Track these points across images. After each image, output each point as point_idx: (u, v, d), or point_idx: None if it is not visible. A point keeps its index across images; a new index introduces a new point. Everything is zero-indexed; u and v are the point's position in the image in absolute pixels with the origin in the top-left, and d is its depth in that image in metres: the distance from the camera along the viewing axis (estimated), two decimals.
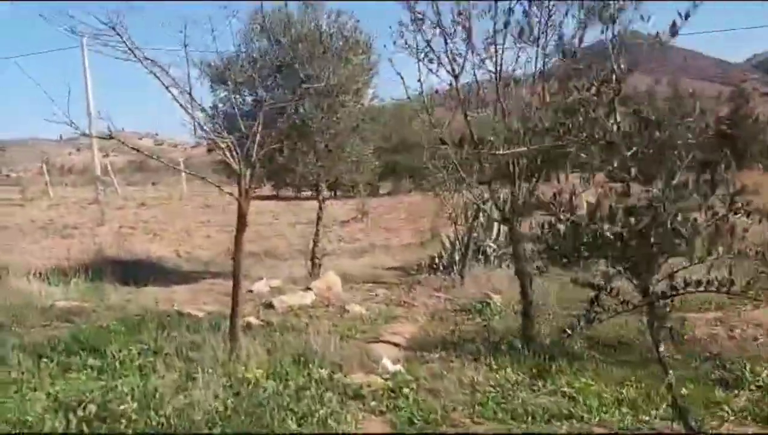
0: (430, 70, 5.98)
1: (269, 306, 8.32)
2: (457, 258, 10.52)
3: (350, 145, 10.06)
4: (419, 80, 6.02)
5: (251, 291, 9.84)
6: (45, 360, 6.10)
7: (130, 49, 5.04)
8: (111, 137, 5.33)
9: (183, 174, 41.79)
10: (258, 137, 5.92)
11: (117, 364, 5.99)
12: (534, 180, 6.12)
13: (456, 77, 6.00)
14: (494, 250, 10.82)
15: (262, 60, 9.25)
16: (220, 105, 10.76)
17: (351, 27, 9.55)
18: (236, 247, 6.01)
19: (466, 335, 6.63)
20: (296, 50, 9.47)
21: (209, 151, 11.27)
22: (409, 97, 6.14)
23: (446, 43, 5.96)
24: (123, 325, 7.48)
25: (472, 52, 5.63)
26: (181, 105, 5.63)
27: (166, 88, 5.40)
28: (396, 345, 6.57)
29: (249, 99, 9.44)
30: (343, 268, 11.22)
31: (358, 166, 10.45)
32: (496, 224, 11.06)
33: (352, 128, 9.91)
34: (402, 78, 6.04)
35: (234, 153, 5.81)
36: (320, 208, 11.07)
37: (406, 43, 6.00)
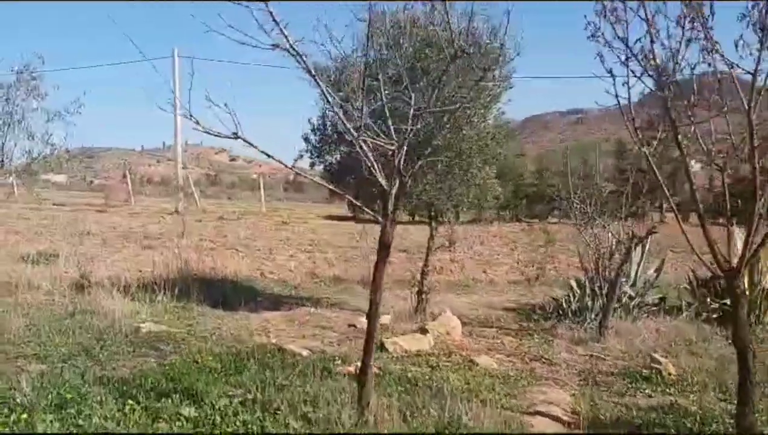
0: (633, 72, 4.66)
1: (381, 347, 7.07)
2: (589, 304, 9.03)
3: (475, 167, 8.78)
4: (626, 84, 4.69)
5: (354, 326, 8.65)
6: (131, 402, 5.03)
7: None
8: (236, 136, 4.23)
9: (261, 190, 41.74)
10: (404, 151, 4.72)
11: (217, 417, 4.86)
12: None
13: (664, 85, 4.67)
14: (631, 298, 9.28)
15: (382, 65, 8.09)
16: (330, 114, 9.76)
17: (484, 29, 8.26)
18: (375, 283, 4.78)
19: (647, 416, 5.19)
20: (423, 56, 8.35)
21: (312, 165, 10.22)
22: (619, 105, 4.80)
23: (652, 41, 4.65)
24: (218, 361, 6.39)
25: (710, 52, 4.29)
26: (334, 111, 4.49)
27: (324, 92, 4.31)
28: (557, 420, 5.19)
29: (366, 109, 8.25)
30: (452, 306, 9.90)
31: (482, 190, 9.15)
32: (634, 266, 9.53)
33: (479, 148, 8.64)
34: (613, 78, 4.70)
35: (377, 166, 4.64)
36: (432, 236, 9.81)
37: (603, 39, 4.70)
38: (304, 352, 6.99)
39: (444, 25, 8.68)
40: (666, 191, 5.10)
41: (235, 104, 4.18)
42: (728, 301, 9.12)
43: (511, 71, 8.80)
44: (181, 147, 33.64)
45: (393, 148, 4.51)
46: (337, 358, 6.79)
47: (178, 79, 24.32)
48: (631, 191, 9.64)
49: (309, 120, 9.97)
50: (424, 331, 7.66)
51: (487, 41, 8.21)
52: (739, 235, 6.43)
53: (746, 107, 4.25)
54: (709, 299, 9.29)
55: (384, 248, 4.68)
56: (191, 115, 4.18)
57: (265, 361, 6.44)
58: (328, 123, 9.89)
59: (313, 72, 4.38)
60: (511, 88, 8.99)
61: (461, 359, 6.95)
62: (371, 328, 4.84)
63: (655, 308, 9.42)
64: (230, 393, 5.41)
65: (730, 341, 7.95)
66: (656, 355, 6.69)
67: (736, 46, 4.50)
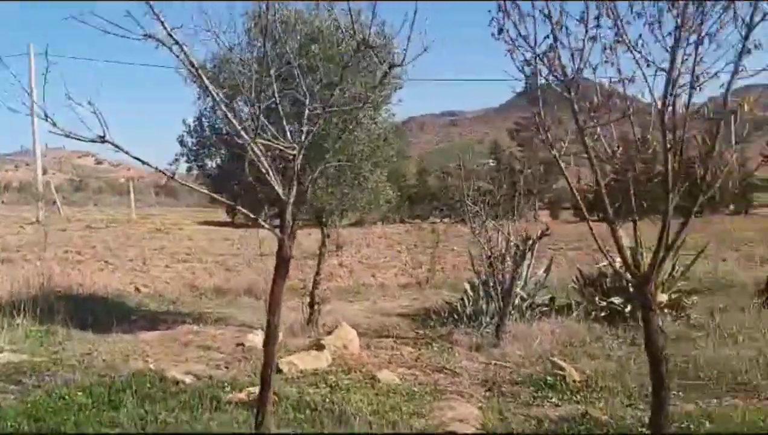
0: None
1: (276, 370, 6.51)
2: (484, 307, 8.91)
3: (367, 171, 8.42)
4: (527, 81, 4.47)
5: (242, 344, 8.01)
6: None
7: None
8: (103, 140, 3.58)
9: (131, 195, 39.35)
10: (300, 158, 4.24)
11: None
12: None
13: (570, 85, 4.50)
14: (524, 299, 9.27)
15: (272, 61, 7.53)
16: (208, 115, 9.07)
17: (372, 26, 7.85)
18: (272, 303, 4.26)
19: (559, 429, 5.01)
20: (307, 52, 7.88)
21: (189, 170, 9.44)
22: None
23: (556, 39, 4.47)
24: (90, 395, 5.61)
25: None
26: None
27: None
28: None
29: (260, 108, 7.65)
30: (345, 316, 9.49)
31: (375, 194, 8.78)
32: (525, 267, 9.53)
33: (370, 150, 8.28)
34: (526, 78, 4.45)
35: (274, 174, 4.12)
36: (324, 242, 9.35)
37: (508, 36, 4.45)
38: (188, 379, 6.33)
39: (332, 21, 8.34)
40: (576, 195, 4.94)
41: (103, 105, 3.55)
42: (615, 300, 9.39)
43: (402, 72, 8.50)
44: (40, 150, 31.00)
45: (293, 152, 4.01)
46: (225, 383, 6.20)
47: (33, 78, 22.33)
48: (509, 191, 9.66)
49: (184, 121, 9.20)
50: (320, 346, 7.19)
51: (380, 40, 7.88)
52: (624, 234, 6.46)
53: (659, 108, 4.15)
54: (597, 298, 9.45)
55: (283, 264, 4.18)
56: (47, 117, 3.49)
57: (144, 392, 5.73)
58: (206, 124, 9.17)
59: (195, 65, 3.81)
60: (401, 88, 8.69)
61: (362, 376, 6.54)
62: (269, 354, 4.31)
63: (546, 308, 9.47)
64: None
65: (621, 340, 8.15)
66: (558, 361, 6.59)
67: (634, 46, 4.42)
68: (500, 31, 4.47)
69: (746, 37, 4.24)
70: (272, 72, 4.44)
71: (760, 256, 15.88)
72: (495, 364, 7.12)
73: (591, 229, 4.73)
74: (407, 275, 14.74)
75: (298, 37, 8.19)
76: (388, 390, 6.11)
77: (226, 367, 7.04)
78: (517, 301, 9.14)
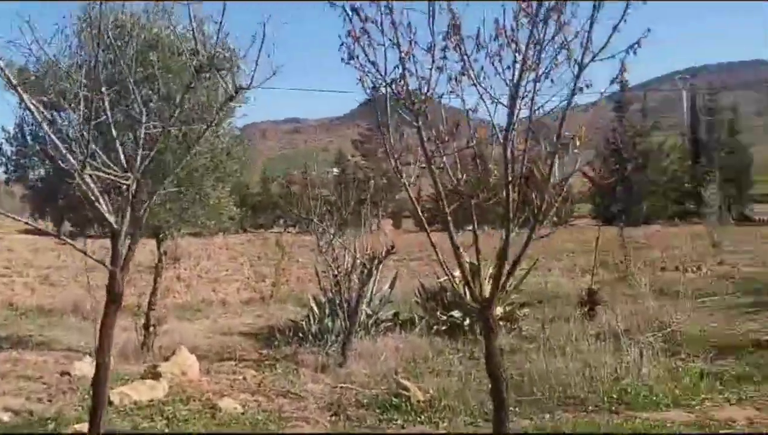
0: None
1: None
2: (330, 325, 8.85)
3: (209, 186, 8.05)
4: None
5: (68, 374, 7.32)
6: None
7: None
8: None
9: None
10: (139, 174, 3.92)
11: None
12: None
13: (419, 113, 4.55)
14: (369, 316, 9.32)
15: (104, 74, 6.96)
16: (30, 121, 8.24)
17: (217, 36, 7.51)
18: (102, 344, 3.87)
19: None
20: (144, 61, 7.39)
21: (7, 182, 8.54)
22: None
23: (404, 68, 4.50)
24: None
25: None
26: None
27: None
28: None
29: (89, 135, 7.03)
30: (183, 337, 9.02)
31: (217, 210, 8.41)
32: (370, 283, 9.59)
33: (213, 165, 7.92)
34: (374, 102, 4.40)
35: (105, 202, 3.76)
36: (160, 258, 8.81)
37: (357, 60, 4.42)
38: (6, 416, 5.67)
39: (171, 29, 7.88)
40: (417, 210, 5.00)
41: None
42: (455, 313, 9.73)
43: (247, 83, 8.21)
44: None
45: (128, 182, 3.68)
46: (49, 420, 5.62)
47: None
48: (353, 202, 9.67)
49: (3, 128, 8.31)
50: (156, 374, 6.73)
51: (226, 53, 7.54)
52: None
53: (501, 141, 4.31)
54: (438, 312, 9.72)
55: (114, 301, 3.81)
56: None
57: None
58: (28, 132, 8.34)
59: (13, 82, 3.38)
60: (246, 102, 8.40)
61: (201, 405, 6.21)
62: (99, 395, 3.92)
63: (390, 324, 9.59)
64: None
65: (461, 354, 8.43)
66: (402, 380, 6.66)
67: (478, 79, 4.56)
68: (350, 57, 4.42)
69: (578, 76, 4.51)
70: (103, 80, 4.07)
71: (581, 266, 17.26)
72: (341, 386, 7.05)
73: (433, 245, 4.80)
74: (250, 289, 14.36)
75: (135, 44, 7.66)
76: (230, 420, 5.85)
77: (50, 400, 6.40)
78: (363, 318, 9.17)
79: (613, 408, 5.98)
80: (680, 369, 7.07)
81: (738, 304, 11.40)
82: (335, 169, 53.84)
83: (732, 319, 10.09)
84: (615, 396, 6.16)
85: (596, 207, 41.86)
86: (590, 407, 6.01)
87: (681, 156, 47.35)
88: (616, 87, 4.85)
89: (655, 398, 6.08)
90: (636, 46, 4.38)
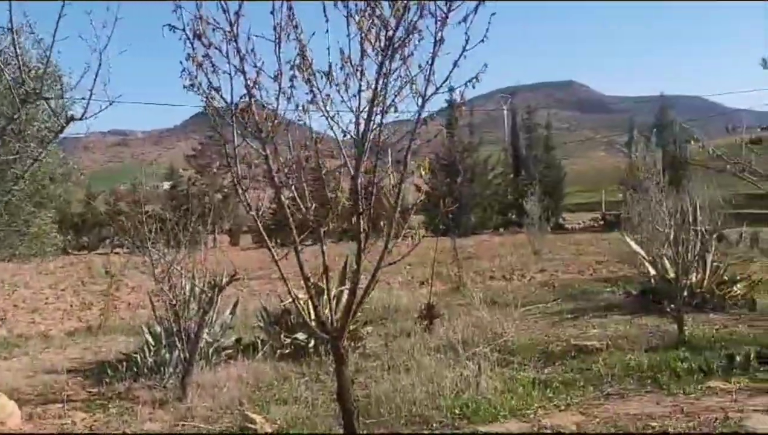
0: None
1: None
2: (167, 357, 8.37)
3: (28, 213, 7.34)
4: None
5: None
6: None
7: None
8: None
9: None
10: None
11: None
12: None
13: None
14: (210, 344, 8.94)
15: None
16: None
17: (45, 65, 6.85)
18: None
19: None
20: None
21: None
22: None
23: (251, 96, 4.40)
24: None
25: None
26: None
27: None
28: None
29: None
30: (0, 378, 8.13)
31: (39, 238, 7.67)
32: (211, 311, 9.21)
33: (34, 190, 7.23)
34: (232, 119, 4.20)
35: None
36: None
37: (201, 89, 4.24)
38: None
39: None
40: (261, 230, 4.88)
41: None
42: (299, 335, 9.61)
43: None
44: None
45: None
46: None
47: None
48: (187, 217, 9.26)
49: None
50: None
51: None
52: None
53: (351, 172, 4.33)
54: (282, 335, 9.56)
55: None
56: None
57: None
58: None
59: None
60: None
61: None
62: None
63: (231, 351, 9.29)
64: None
65: (307, 378, 8.34)
66: (248, 412, 6.45)
67: (325, 109, 4.58)
68: (192, 85, 4.23)
69: (422, 107, 4.67)
70: None
71: (418, 278, 17.88)
72: (182, 424, 6.69)
73: (278, 266, 4.74)
74: (75, 319, 13.23)
75: None
76: None
77: None
78: (203, 346, 8.79)
79: (456, 423, 6.20)
80: (515, 379, 7.49)
81: (559, 310, 12.34)
82: (166, 184, 51.55)
83: (555, 325, 10.90)
84: (457, 411, 6.39)
85: (431, 219, 43.66)
86: (434, 424, 6.19)
87: (504, 170, 51.00)
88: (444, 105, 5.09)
89: (494, 410, 6.38)
90: (474, 80, 4.61)
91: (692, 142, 7.45)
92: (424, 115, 4.69)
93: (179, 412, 7.05)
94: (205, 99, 4.38)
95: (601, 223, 43.24)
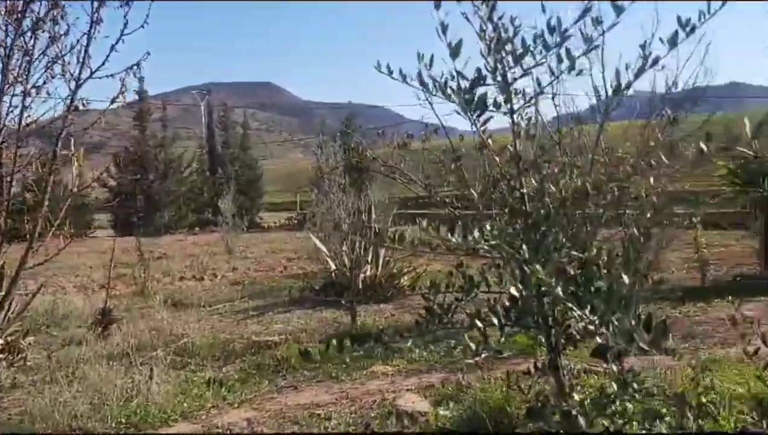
0: None
1: None
2: None
3: None
4: None
5: None
6: None
7: None
8: None
9: None
10: None
11: None
12: None
13: None
14: None
15: None
16: None
17: None
18: None
19: None
20: None
21: None
22: None
23: None
24: None
25: None
26: None
27: None
28: None
29: None
30: None
31: None
32: None
33: None
34: None
35: None
36: None
37: None
38: None
39: None
40: None
41: None
42: None
43: None
44: None
45: None
46: None
47: None
48: None
49: None
50: None
51: None
52: None
53: None
54: None
55: None
56: None
57: None
58: None
59: None
60: None
61: None
62: None
63: None
64: None
65: None
66: None
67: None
68: None
69: (75, 92, 4.28)
70: None
71: (98, 281, 16.57)
72: None
73: None
74: None
75: None
76: None
77: None
78: None
79: (122, 432, 5.84)
80: (190, 381, 7.32)
81: (246, 308, 12.45)
82: None
83: (240, 323, 10.95)
84: (124, 420, 6.02)
85: (116, 217, 41.05)
86: None
87: (200, 167, 49.94)
88: (134, 97, 4.79)
89: (164, 415, 6.15)
90: (136, 67, 4.37)
91: (360, 148, 8.03)
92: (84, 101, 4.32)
93: None
94: None
95: (295, 222, 44.93)
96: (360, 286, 10.84)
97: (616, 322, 1.49)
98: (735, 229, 15.57)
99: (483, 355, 1.99)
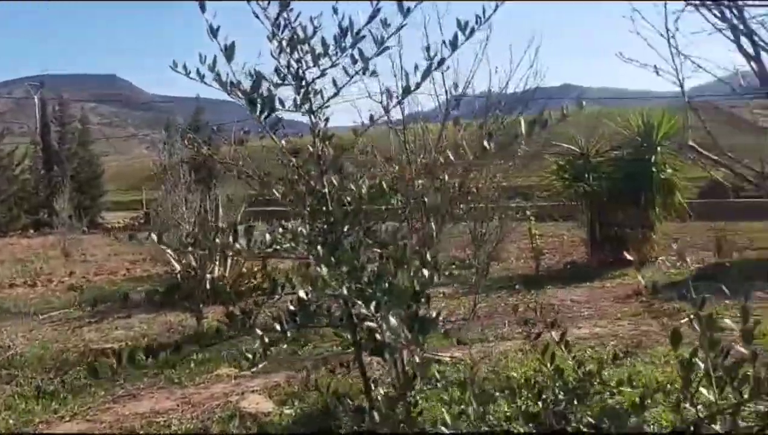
0: None
1: None
2: None
3: None
4: None
5: None
6: None
7: None
8: None
9: None
10: None
11: None
12: None
13: None
14: None
15: None
16: None
17: None
18: None
19: None
20: None
21: None
22: None
23: None
24: None
25: None
26: None
27: None
28: None
29: None
30: None
31: None
32: None
33: None
34: None
35: None
36: None
37: None
38: None
39: None
40: None
41: None
42: None
43: None
44: None
45: None
46: None
47: None
48: None
49: None
50: None
51: None
52: None
53: None
54: None
55: None
56: None
57: None
58: None
59: None
60: None
61: None
62: None
63: None
64: None
65: None
66: None
67: None
68: None
69: None
70: None
71: None
72: None
73: None
74: None
75: None
76: None
77: None
78: None
79: None
80: (18, 395, 6.79)
81: (83, 315, 11.71)
82: None
83: (76, 331, 10.29)
84: None
85: None
86: None
87: (34, 165, 46.05)
88: None
89: None
90: None
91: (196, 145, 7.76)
92: None
93: None
94: None
95: (142, 221, 42.80)
96: (207, 287, 10.51)
97: (392, 319, 1.55)
98: (566, 221, 16.75)
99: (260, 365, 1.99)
